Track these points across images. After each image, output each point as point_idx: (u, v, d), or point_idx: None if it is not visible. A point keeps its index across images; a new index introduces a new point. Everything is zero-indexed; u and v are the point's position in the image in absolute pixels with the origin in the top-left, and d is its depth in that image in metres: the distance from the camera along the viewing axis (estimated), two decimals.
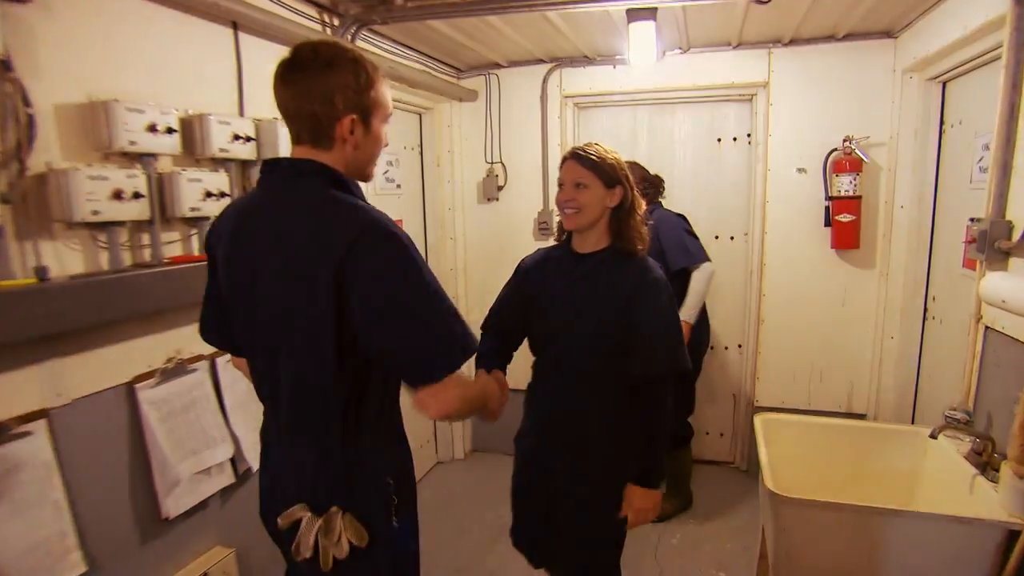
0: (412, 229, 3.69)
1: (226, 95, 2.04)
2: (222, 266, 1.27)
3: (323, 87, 1.14)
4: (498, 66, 3.69)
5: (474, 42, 3.17)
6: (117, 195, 1.56)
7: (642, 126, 3.70)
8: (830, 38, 3.16)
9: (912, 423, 3.19)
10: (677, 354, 1.69)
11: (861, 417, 3.44)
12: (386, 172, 3.37)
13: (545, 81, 3.64)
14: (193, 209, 1.79)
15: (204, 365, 1.94)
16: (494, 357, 1.87)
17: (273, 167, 1.23)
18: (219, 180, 1.88)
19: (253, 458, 2.11)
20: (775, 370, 3.55)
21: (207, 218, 1.88)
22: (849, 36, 3.12)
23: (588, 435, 1.75)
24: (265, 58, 2.19)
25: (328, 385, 1.17)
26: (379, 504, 1.24)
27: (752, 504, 3.26)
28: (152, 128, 1.64)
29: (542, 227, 3.75)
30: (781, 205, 3.39)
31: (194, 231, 1.90)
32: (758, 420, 2.24)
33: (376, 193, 3.25)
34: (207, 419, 1.93)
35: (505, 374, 1.82)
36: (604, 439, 1.73)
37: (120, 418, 1.69)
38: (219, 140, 1.87)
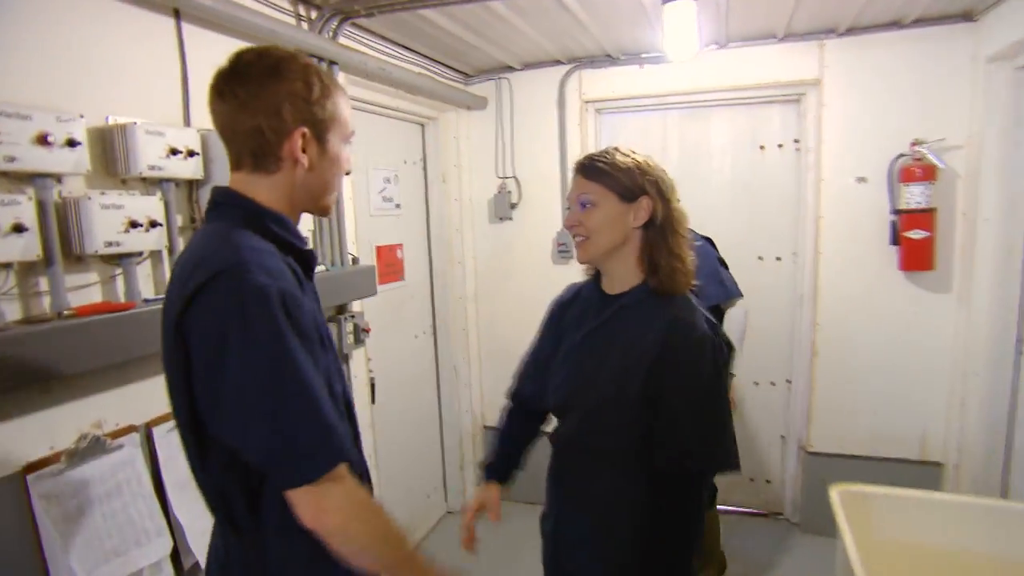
0: (415, 253, 3.28)
1: (167, 101, 1.66)
2: None
3: (269, 96, 0.97)
4: (510, 69, 3.30)
5: (481, 40, 2.77)
6: None
7: (672, 133, 3.26)
8: (894, 25, 2.70)
9: (1005, 476, 2.68)
10: (717, 448, 1.22)
11: (937, 466, 2.94)
12: (383, 190, 2.97)
13: (563, 85, 3.23)
14: (111, 244, 1.40)
15: (134, 438, 1.54)
16: (502, 457, 1.54)
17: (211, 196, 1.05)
18: (148, 206, 1.48)
19: (203, 549, 1.70)
20: (832, 410, 3.06)
21: (133, 255, 1.49)
22: (919, 22, 2.66)
23: (608, 527, 1.31)
24: (219, 55, 1.80)
25: (199, 465, 0.98)
26: None
27: (806, 563, 2.77)
28: (43, 140, 1.26)
29: (561, 250, 3.32)
30: (837, 220, 2.92)
31: (118, 271, 1.50)
32: (834, 493, 1.78)
33: (371, 215, 2.86)
34: (138, 507, 1.52)
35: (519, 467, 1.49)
36: (628, 535, 1.28)
37: (4, 521, 1.29)
38: (148, 155, 1.47)
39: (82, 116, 1.35)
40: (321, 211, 1.12)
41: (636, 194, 1.26)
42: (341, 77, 2.31)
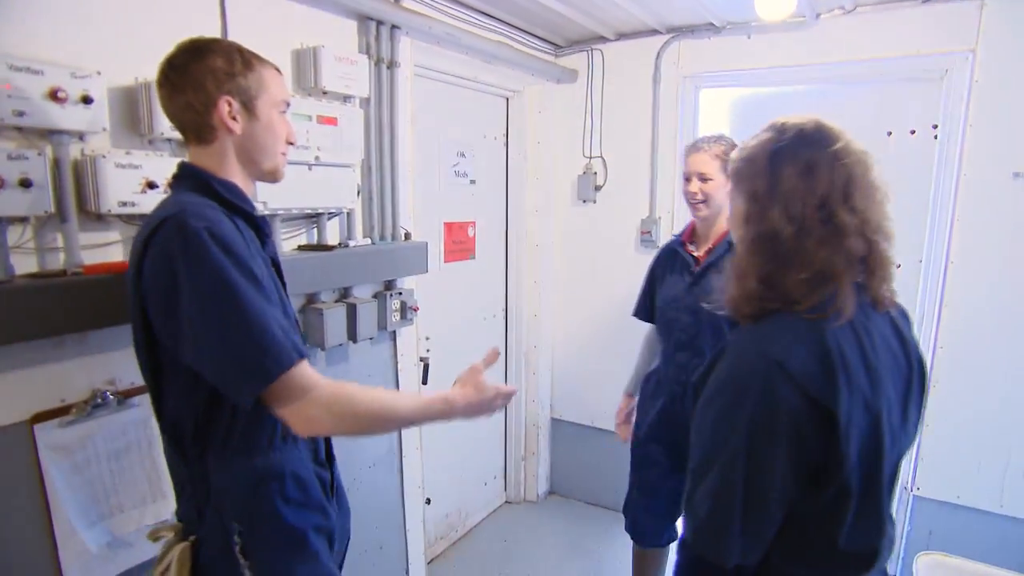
0: (489, 232, 3.16)
1: None
2: None
3: (193, 74, 1.09)
4: (603, 40, 3.05)
5: (571, 8, 2.56)
6: None
7: (783, 114, 2.85)
8: None
9: None
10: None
11: None
12: (455, 164, 2.86)
13: (659, 57, 2.93)
14: (124, 204, 1.39)
15: (146, 398, 1.55)
16: None
17: None
18: (170, 167, 1.45)
19: None
20: (949, 452, 2.56)
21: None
22: None
23: None
24: (262, 15, 1.76)
25: (156, 391, 1.13)
26: (217, 548, 1.11)
27: None
28: (54, 96, 1.25)
29: (645, 238, 3.06)
30: (981, 222, 2.42)
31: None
32: (921, 562, 1.44)
33: (440, 189, 2.77)
34: (145, 467, 1.54)
35: None
36: None
37: (10, 469, 1.33)
38: None
39: (99, 73, 1.33)
40: (268, 176, 1.21)
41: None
42: (406, 43, 2.21)
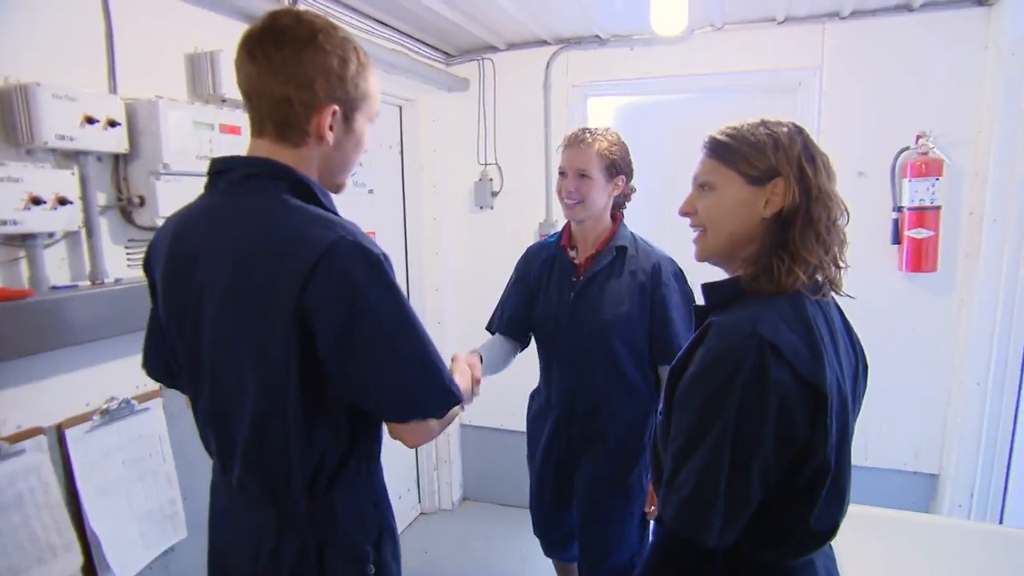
0: (390, 241, 3.11)
1: (93, 64, 1.48)
2: (160, 288, 1.06)
3: (304, 67, 0.94)
4: (494, 49, 3.11)
5: (463, 17, 2.59)
6: None
7: (662, 121, 3.08)
8: (903, 8, 2.52)
9: (1005, 493, 2.54)
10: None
11: (932, 478, 2.79)
12: (354, 174, 2.78)
13: (548, 67, 3.05)
14: (5, 223, 1.23)
15: (40, 442, 1.37)
16: None
17: (223, 167, 1.02)
18: (56, 180, 1.31)
19: (130, 560, 1.55)
20: None
21: (39, 235, 1.32)
22: (928, 5, 2.48)
23: None
24: (148, 18, 1.63)
25: (291, 432, 0.97)
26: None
27: None
28: None
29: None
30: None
31: (21, 254, 1.33)
32: None
33: (342, 199, 2.68)
34: (43, 520, 1.36)
35: None
36: None
37: None
38: (57, 123, 1.30)
39: None
40: (335, 189, 1.08)
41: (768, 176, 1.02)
42: None
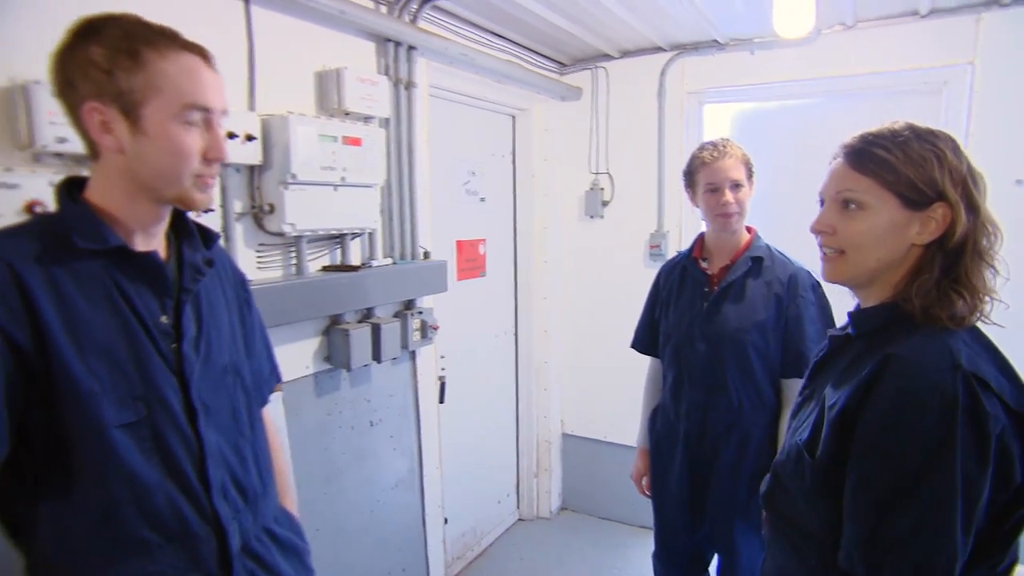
0: (500, 248, 3.17)
1: (232, 84, 1.64)
2: None
3: (67, 67, 0.85)
4: (607, 58, 3.09)
5: (575, 25, 2.60)
6: None
7: (782, 127, 2.91)
8: None
9: None
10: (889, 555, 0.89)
11: None
12: (466, 183, 2.88)
13: (663, 74, 2.98)
14: None
15: None
16: None
17: None
18: None
19: None
20: None
21: None
22: None
23: None
24: (288, 38, 1.77)
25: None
26: None
27: None
28: None
29: (653, 252, 3.08)
30: None
31: None
32: None
33: (452, 208, 2.78)
34: None
35: None
36: None
37: None
38: None
39: None
40: (177, 204, 0.93)
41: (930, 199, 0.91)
42: (422, 64, 2.23)
